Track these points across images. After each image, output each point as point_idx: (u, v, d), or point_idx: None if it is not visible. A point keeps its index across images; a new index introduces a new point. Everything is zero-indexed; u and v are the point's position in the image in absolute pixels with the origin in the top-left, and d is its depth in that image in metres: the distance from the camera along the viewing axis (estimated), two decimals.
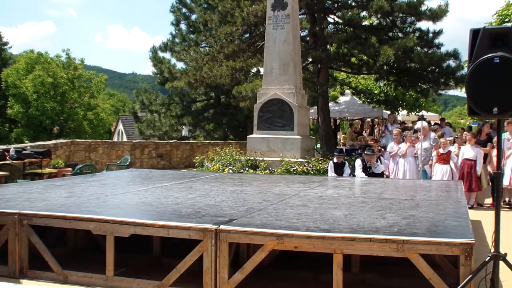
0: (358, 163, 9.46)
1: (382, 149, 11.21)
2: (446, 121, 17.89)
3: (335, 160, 9.73)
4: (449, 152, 9.44)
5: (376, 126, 21.24)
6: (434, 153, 9.68)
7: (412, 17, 15.79)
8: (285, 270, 4.88)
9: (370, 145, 11.19)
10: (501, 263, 3.77)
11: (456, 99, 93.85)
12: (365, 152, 9.58)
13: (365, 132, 19.48)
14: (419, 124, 10.22)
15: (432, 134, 10.39)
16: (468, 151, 9.30)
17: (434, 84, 16.41)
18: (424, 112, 23.60)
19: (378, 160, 9.55)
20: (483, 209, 9.29)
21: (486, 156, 9.61)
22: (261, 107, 12.37)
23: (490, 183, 9.06)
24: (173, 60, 24.60)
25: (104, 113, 40.24)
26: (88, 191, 6.09)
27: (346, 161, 9.84)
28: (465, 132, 11.18)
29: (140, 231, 4.21)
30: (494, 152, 9.22)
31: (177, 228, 4.07)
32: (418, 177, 9.62)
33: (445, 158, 9.39)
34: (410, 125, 15.69)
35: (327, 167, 10.53)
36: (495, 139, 10.26)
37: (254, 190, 6.40)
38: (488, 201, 9.62)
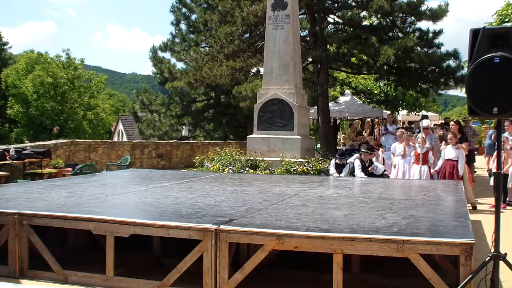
0: (357, 163, 9.47)
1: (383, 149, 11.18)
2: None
3: (337, 161, 9.82)
4: (427, 151, 9.32)
5: (376, 126, 21.26)
6: (413, 153, 9.53)
7: (412, 17, 15.77)
8: (285, 270, 4.88)
9: (367, 142, 11.16)
10: (501, 263, 3.77)
11: (456, 99, 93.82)
12: (362, 150, 9.58)
13: (365, 132, 19.50)
14: (424, 123, 10.13)
15: (433, 134, 10.39)
16: (450, 152, 9.16)
17: (434, 84, 16.37)
18: (424, 112, 23.68)
19: (382, 162, 9.53)
20: (483, 209, 9.28)
21: (467, 156, 9.54)
22: (261, 107, 12.36)
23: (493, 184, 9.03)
24: (173, 60, 24.60)
25: (104, 113, 40.18)
26: (88, 191, 6.09)
27: (347, 163, 9.85)
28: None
29: (140, 231, 4.21)
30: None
31: (177, 228, 4.07)
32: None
33: (422, 159, 9.26)
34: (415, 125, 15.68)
35: (328, 166, 10.60)
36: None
37: (254, 190, 6.40)
38: (487, 201, 9.62)
